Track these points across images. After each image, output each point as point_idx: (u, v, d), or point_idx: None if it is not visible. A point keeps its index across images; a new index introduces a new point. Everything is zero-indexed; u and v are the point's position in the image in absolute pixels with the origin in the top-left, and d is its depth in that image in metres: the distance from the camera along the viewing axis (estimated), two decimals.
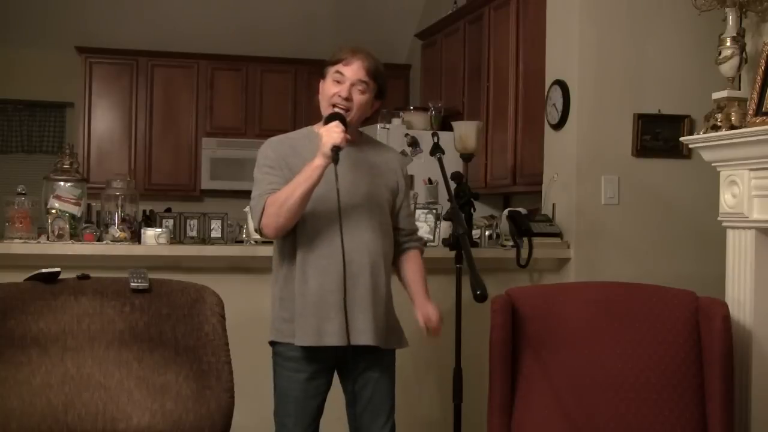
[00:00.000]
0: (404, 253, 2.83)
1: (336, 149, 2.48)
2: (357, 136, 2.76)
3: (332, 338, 2.59)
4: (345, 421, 2.80)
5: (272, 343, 2.74)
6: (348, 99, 2.62)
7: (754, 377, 3.02)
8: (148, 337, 2.78)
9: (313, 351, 2.64)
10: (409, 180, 2.91)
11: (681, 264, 3.92)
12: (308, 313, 2.61)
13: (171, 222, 3.79)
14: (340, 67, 2.64)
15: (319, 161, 2.51)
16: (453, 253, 2.83)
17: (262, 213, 2.59)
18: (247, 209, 3.77)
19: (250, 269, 3.63)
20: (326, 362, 2.69)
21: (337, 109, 2.61)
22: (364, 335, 2.61)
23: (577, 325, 3.05)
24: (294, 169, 2.61)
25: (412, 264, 2.83)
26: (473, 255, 2.59)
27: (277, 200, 2.56)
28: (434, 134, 3.03)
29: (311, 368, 2.67)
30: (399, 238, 2.81)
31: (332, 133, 2.50)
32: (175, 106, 7.30)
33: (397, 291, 2.80)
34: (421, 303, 2.75)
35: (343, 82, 2.63)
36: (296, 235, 2.64)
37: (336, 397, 2.78)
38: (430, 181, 4.77)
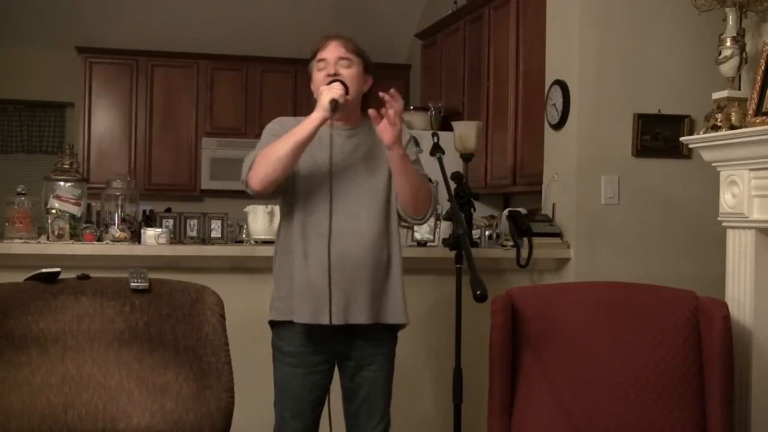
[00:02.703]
0: None
1: (334, 103, 2.55)
2: (358, 119, 2.77)
3: (327, 317, 2.61)
4: (341, 417, 2.80)
5: (271, 325, 2.75)
6: (337, 74, 2.66)
7: (754, 377, 3.02)
8: (148, 337, 2.78)
9: (311, 342, 2.66)
10: (415, 149, 2.86)
11: (681, 264, 3.92)
12: (308, 291, 2.63)
13: (171, 222, 3.79)
14: (319, 55, 2.71)
15: (316, 114, 2.58)
16: (453, 253, 2.83)
17: (251, 166, 2.62)
18: (247, 209, 3.79)
19: (250, 269, 3.63)
20: (325, 354, 2.70)
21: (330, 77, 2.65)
22: (359, 314, 2.63)
23: (577, 325, 3.05)
24: None
25: None
26: (473, 255, 2.58)
27: (268, 151, 2.59)
28: (434, 134, 3.02)
29: (309, 362, 2.69)
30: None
31: (333, 89, 2.59)
32: (175, 106, 7.30)
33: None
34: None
35: (327, 66, 2.68)
36: (294, 214, 2.68)
37: (336, 395, 2.78)
38: (430, 181, 4.76)
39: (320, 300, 2.62)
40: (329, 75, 2.66)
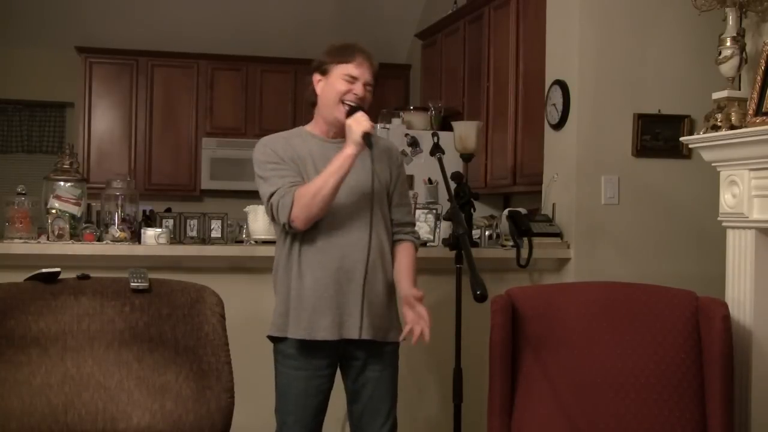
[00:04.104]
0: (395, 245, 2.82)
1: (367, 136, 2.57)
2: None
3: (324, 333, 2.61)
4: (345, 421, 2.80)
5: (271, 339, 2.74)
6: (362, 99, 2.67)
7: (754, 377, 3.02)
8: (148, 337, 2.78)
9: (312, 348, 2.65)
10: (404, 170, 2.90)
11: (681, 264, 3.92)
12: (302, 307, 2.63)
13: (171, 222, 3.79)
14: (351, 68, 2.67)
15: (350, 150, 2.58)
16: (453, 253, 2.83)
17: (291, 206, 2.59)
18: (247, 209, 3.78)
19: (250, 269, 3.63)
20: (327, 359, 2.69)
21: (351, 102, 2.66)
22: (357, 330, 2.63)
23: (577, 325, 3.05)
24: (294, 160, 2.66)
25: (400, 257, 2.79)
26: (473, 255, 2.59)
27: (308, 192, 2.58)
28: (434, 134, 3.03)
29: (312, 366, 2.68)
30: (391, 229, 2.81)
31: (362, 122, 2.59)
32: (175, 106, 7.30)
33: None
34: (407, 301, 2.68)
35: (354, 83, 2.67)
36: (316, 231, 2.66)
37: (337, 395, 2.78)
38: (430, 181, 4.77)
39: (318, 315, 2.62)
40: (356, 97, 2.65)
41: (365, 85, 2.68)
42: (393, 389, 2.78)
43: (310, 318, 2.62)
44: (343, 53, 2.69)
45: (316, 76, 2.73)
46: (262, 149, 2.73)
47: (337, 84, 2.68)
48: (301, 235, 2.65)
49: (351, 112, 2.63)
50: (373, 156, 2.61)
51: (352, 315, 2.62)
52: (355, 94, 2.65)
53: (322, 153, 2.68)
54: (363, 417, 2.74)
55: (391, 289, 2.75)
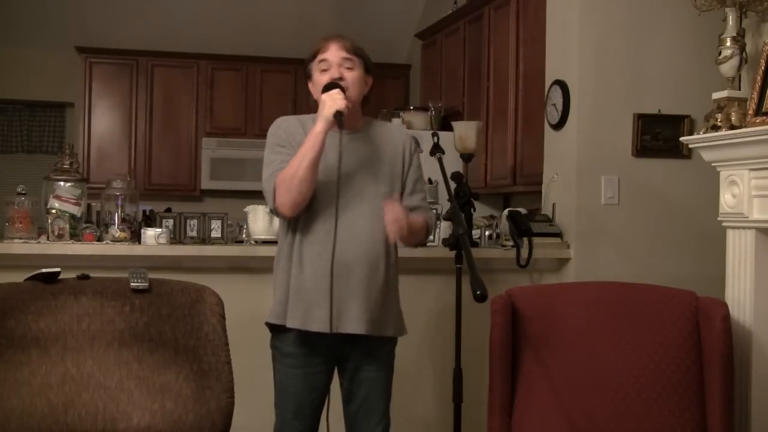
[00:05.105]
0: None
1: (339, 114, 2.53)
2: (359, 121, 2.75)
3: (318, 324, 2.60)
4: (342, 418, 2.80)
5: (269, 327, 2.73)
6: (341, 78, 2.64)
7: (754, 377, 3.02)
8: (148, 337, 2.78)
9: (308, 345, 2.66)
10: (418, 158, 2.83)
11: (681, 264, 3.92)
12: (300, 297, 2.62)
13: (171, 222, 3.79)
14: (320, 56, 2.68)
15: (319, 127, 2.54)
16: (453, 253, 2.83)
17: (274, 193, 2.59)
18: (247, 209, 3.79)
19: (250, 269, 3.63)
20: (323, 357, 2.69)
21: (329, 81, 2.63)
22: (354, 324, 2.61)
23: (577, 325, 3.05)
24: (302, 144, 2.62)
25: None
26: (473, 255, 2.58)
27: (286, 176, 2.56)
28: (434, 134, 3.02)
29: (309, 364, 2.68)
30: None
31: (335, 99, 2.55)
32: (175, 106, 7.30)
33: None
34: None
35: (329, 68, 2.66)
36: (297, 219, 2.64)
37: (335, 395, 2.78)
38: (430, 181, 4.75)
39: (314, 306, 2.61)
40: (333, 79, 2.62)
41: (340, 64, 2.65)
42: (388, 390, 2.78)
43: (306, 308, 2.61)
44: (313, 50, 2.71)
45: (308, 84, 2.75)
46: (274, 130, 2.73)
47: (318, 78, 2.68)
48: (303, 225, 2.64)
49: (328, 87, 2.60)
50: (341, 137, 2.55)
51: (349, 309, 2.61)
52: (331, 78, 2.63)
53: (330, 141, 2.64)
54: (358, 416, 2.75)
55: (391, 285, 2.73)
